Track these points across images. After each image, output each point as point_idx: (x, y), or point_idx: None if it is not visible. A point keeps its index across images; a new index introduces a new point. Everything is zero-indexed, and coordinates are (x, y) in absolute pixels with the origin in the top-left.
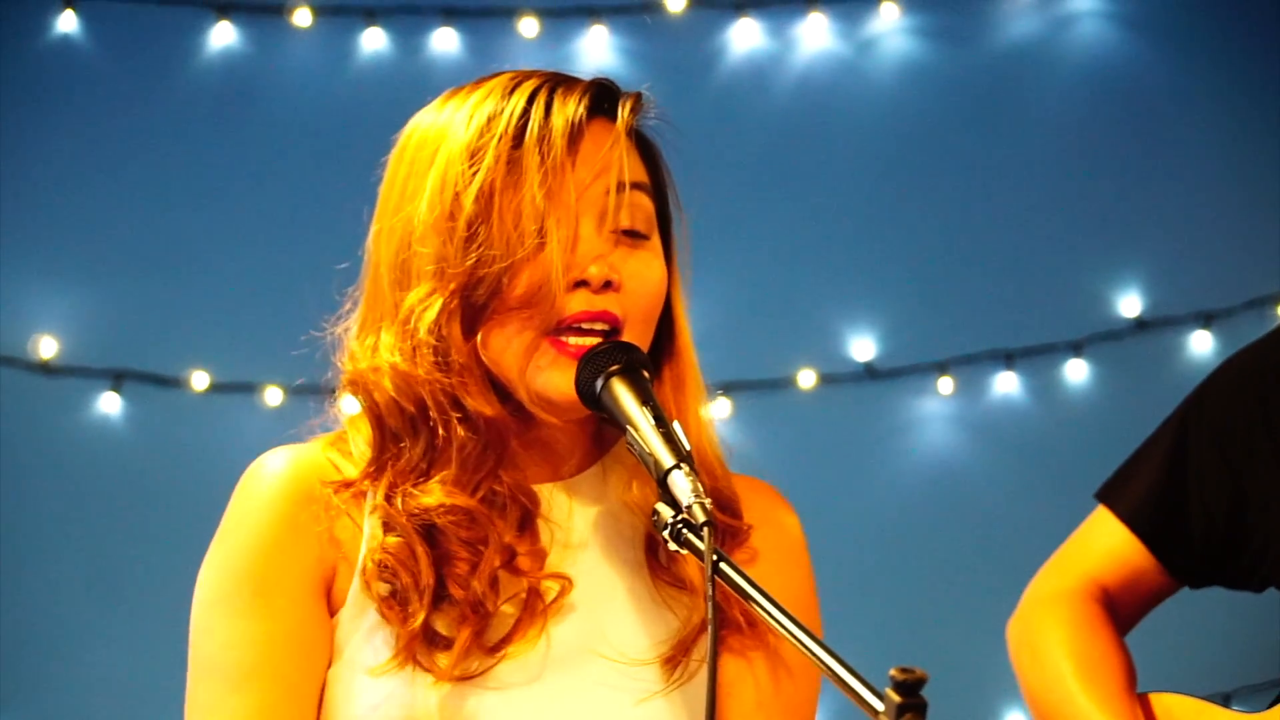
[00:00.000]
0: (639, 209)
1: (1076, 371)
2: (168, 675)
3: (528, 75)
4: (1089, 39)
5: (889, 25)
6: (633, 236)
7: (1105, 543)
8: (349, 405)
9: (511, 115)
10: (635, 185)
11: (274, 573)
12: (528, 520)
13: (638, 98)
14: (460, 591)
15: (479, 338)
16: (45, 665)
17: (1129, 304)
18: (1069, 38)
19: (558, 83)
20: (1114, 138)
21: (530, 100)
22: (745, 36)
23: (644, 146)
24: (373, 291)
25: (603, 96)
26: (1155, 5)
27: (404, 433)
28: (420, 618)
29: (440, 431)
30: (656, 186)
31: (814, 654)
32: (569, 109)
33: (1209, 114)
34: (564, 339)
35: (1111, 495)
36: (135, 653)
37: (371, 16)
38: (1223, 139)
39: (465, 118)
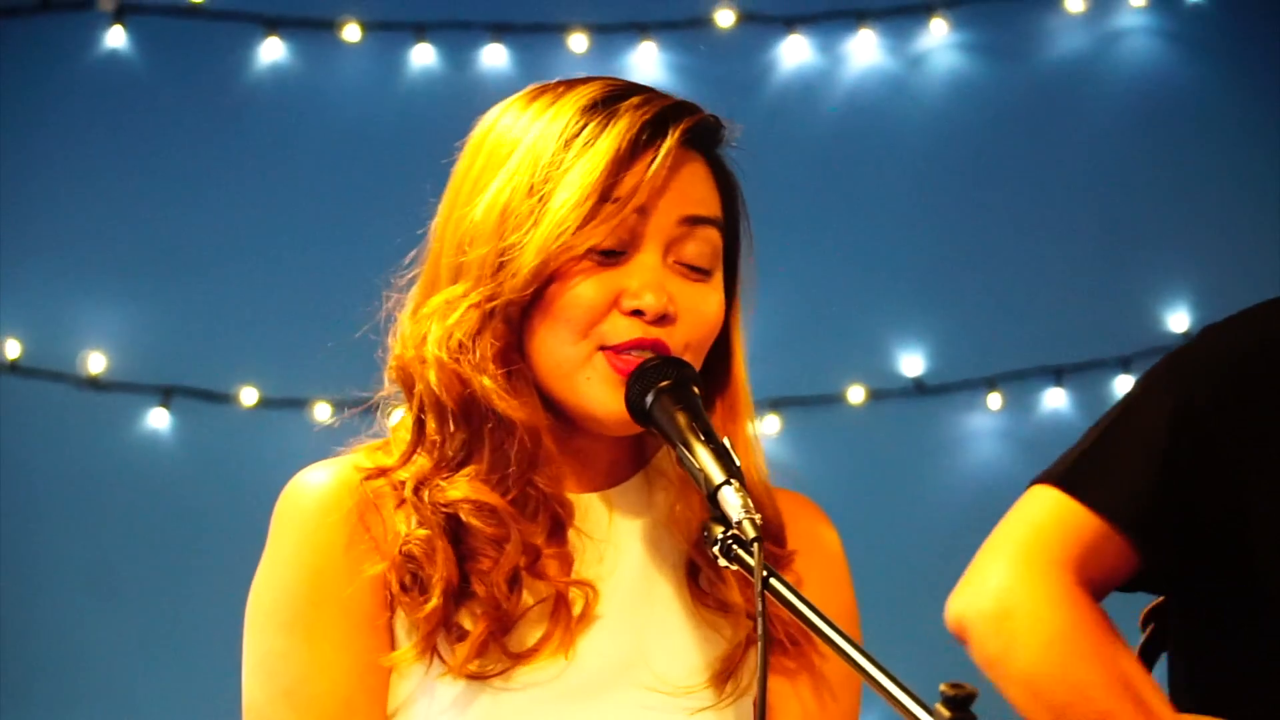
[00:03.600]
0: (706, 244)
1: (1125, 387)
2: (230, 694)
3: (612, 89)
4: (1137, 55)
5: (938, 41)
6: (696, 271)
7: (1078, 533)
8: (397, 420)
9: (583, 132)
10: (705, 220)
11: (348, 592)
12: (559, 529)
13: (719, 128)
14: (482, 588)
15: (526, 345)
16: (105, 681)
17: (1177, 319)
18: (1117, 54)
19: (638, 102)
20: (1162, 152)
21: (606, 117)
22: (795, 52)
23: (722, 177)
24: (430, 278)
25: (680, 122)
26: (1203, 21)
27: (441, 425)
28: (433, 604)
29: (475, 429)
30: (729, 220)
31: (865, 670)
32: (643, 131)
33: (1256, 127)
34: (620, 356)
35: (1086, 488)
36: (191, 672)
37: (421, 32)
38: (1271, 152)
39: (541, 127)
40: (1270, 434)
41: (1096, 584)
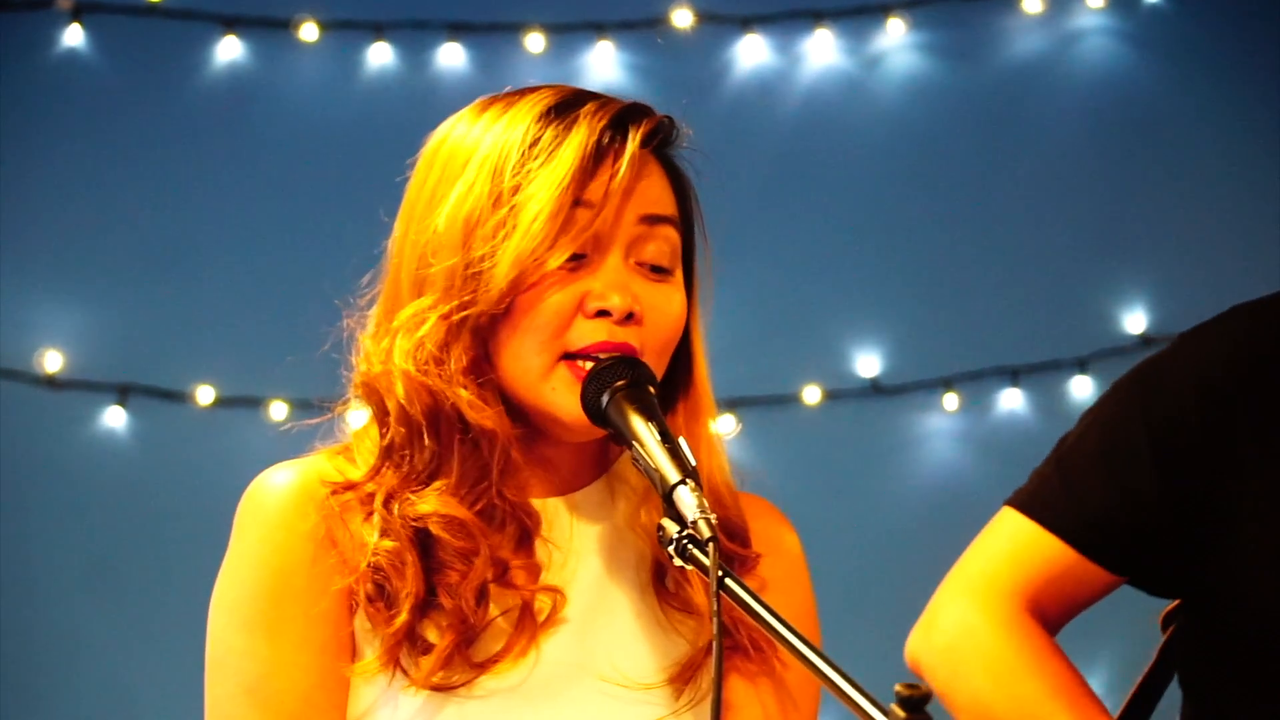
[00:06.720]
0: (665, 242)
1: (1082, 388)
2: (172, 684)
3: (566, 96)
4: (1095, 56)
5: (895, 41)
6: (657, 271)
7: (1038, 560)
8: (355, 420)
9: (542, 139)
10: (664, 219)
11: (309, 591)
12: (526, 538)
13: (673, 129)
14: (449, 601)
15: (492, 353)
16: (49, 676)
17: (1134, 320)
18: (1075, 55)
19: (595, 108)
20: (1119, 154)
21: (565, 124)
22: (752, 52)
23: (675, 177)
24: (392, 294)
25: (639, 125)
26: (1160, 23)
27: (409, 440)
28: (401, 619)
29: (445, 441)
30: (684, 219)
31: (819, 670)
32: (604, 136)
33: (1214, 130)
34: (580, 364)
35: (1049, 512)
36: (140, 664)
37: (378, 31)
38: (1228, 155)
39: (498, 135)
40: (1255, 447)
41: (1059, 606)
